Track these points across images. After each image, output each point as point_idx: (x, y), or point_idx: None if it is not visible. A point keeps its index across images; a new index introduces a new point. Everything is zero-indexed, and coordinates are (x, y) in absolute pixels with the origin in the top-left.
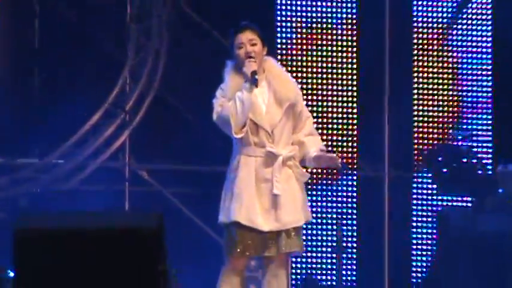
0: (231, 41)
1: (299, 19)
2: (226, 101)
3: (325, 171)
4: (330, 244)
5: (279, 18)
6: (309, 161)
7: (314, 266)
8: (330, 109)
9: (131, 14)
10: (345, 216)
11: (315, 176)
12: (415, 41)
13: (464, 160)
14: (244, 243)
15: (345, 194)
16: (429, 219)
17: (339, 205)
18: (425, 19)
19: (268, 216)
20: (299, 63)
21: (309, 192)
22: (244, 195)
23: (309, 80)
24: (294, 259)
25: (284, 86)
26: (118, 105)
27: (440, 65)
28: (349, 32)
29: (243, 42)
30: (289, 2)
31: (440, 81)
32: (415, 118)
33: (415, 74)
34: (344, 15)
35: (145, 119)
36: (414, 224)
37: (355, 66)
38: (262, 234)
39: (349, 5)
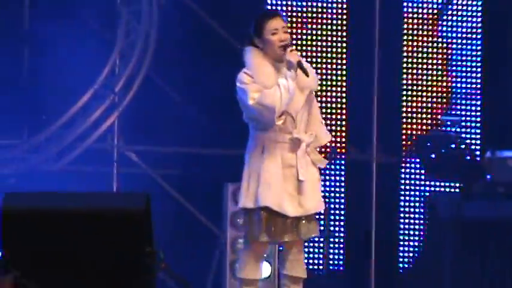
0: (257, 26)
1: (289, 2)
2: (260, 87)
3: None
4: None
5: (269, 7)
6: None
7: None
8: (318, 93)
9: None
10: (332, 200)
11: None
12: (405, 25)
13: (453, 146)
14: (270, 229)
15: (333, 178)
16: (417, 204)
17: (327, 189)
18: (415, 3)
19: (293, 201)
20: None
21: None
22: (273, 180)
23: None
24: None
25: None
26: (107, 86)
27: (430, 50)
28: (339, 16)
29: (277, 28)
30: None
31: (430, 66)
32: (404, 103)
33: (405, 59)
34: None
35: (135, 101)
36: (402, 209)
37: (344, 49)
38: (286, 219)
39: None
